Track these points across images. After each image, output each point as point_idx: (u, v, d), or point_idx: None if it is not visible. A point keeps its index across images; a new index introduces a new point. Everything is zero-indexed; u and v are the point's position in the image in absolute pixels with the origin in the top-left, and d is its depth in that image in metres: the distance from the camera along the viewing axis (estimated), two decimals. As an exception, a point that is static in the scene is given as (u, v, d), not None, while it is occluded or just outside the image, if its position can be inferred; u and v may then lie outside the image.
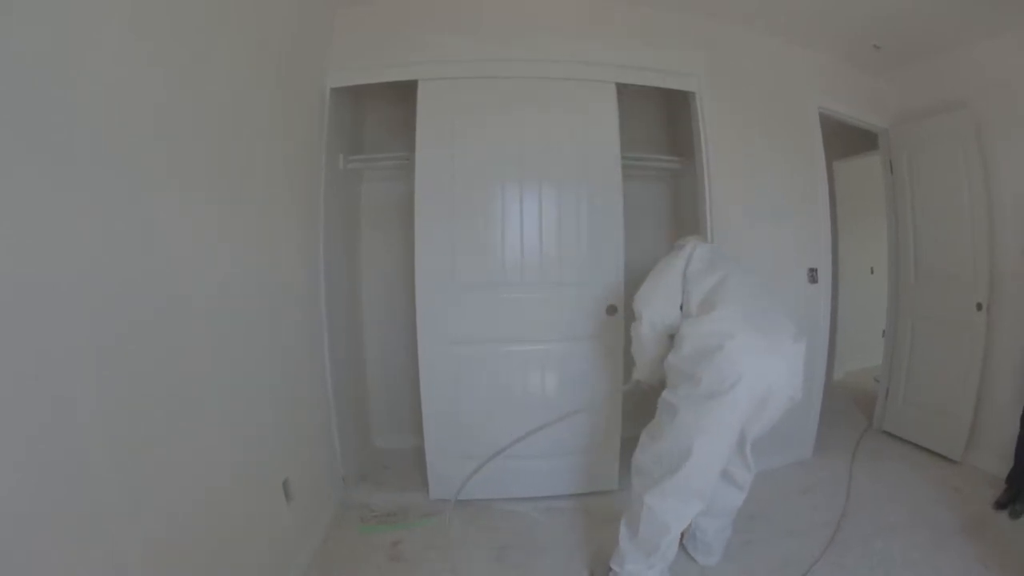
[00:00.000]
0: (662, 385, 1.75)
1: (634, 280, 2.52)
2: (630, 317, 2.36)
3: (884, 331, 3.19)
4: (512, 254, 2.28)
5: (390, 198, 2.80)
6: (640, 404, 2.29)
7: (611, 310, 2.31)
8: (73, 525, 0.91)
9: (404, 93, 2.34)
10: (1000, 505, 2.17)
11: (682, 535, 1.77)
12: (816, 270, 2.67)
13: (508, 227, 2.27)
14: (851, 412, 3.40)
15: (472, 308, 2.27)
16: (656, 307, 1.75)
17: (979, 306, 2.56)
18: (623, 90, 2.35)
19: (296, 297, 1.98)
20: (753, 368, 1.50)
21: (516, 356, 2.30)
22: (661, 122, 3.07)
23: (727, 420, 1.54)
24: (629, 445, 2.58)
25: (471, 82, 2.24)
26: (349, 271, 2.66)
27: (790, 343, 1.59)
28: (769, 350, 1.55)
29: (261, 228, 1.66)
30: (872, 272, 4.13)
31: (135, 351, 1.08)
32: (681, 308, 1.72)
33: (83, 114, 0.95)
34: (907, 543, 1.95)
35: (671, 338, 1.74)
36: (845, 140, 3.54)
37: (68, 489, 0.90)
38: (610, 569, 1.72)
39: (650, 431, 1.70)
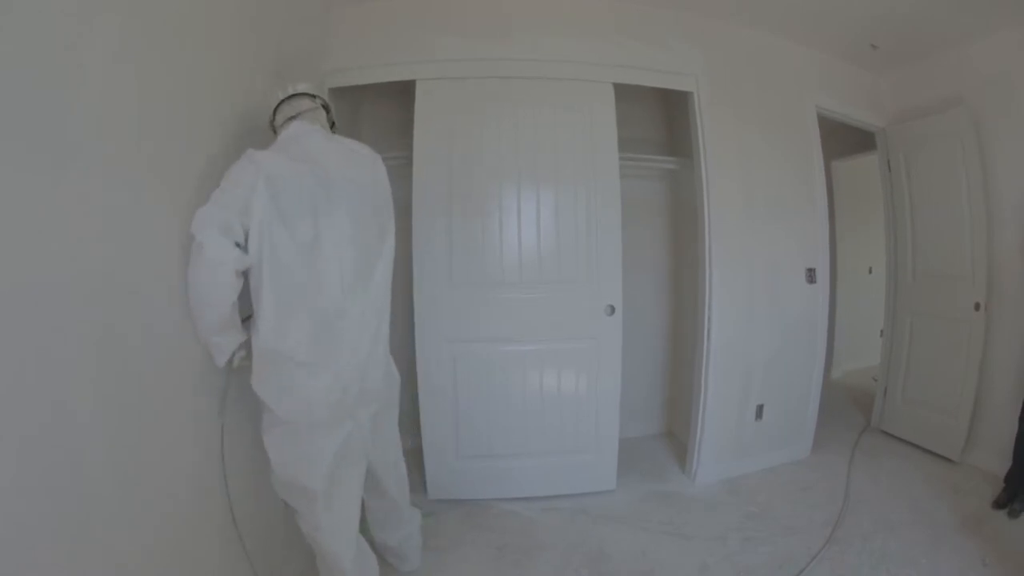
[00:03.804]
0: None
1: (633, 279, 2.54)
2: (629, 316, 2.39)
3: (882, 330, 3.20)
4: (510, 254, 2.28)
5: (388, 198, 2.80)
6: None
7: (609, 310, 2.31)
8: (72, 526, 0.91)
9: (402, 93, 2.34)
10: (999, 504, 2.18)
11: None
12: (814, 270, 2.67)
13: (506, 227, 2.27)
14: (849, 412, 3.41)
15: (470, 308, 2.26)
16: None
17: (977, 306, 2.56)
18: (621, 89, 2.35)
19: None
20: None
21: (514, 356, 2.30)
22: (659, 121, 3.07)
23: None
24: (627, 445, 2.60)
25: (469, 82, 2.24)
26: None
27: None
28: None
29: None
30: (870, 272, 4.14)
31: (134, 352, 1.08)
32: None
33: (80, 114, 0.95)
34: (906, 541, 1.96)
35: None
36: (843, 139, 3.55)
37: (67, 489, 0.90)
38: None
39: None
